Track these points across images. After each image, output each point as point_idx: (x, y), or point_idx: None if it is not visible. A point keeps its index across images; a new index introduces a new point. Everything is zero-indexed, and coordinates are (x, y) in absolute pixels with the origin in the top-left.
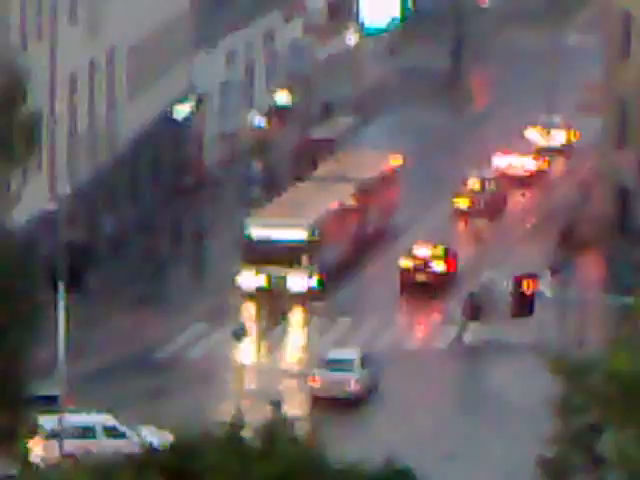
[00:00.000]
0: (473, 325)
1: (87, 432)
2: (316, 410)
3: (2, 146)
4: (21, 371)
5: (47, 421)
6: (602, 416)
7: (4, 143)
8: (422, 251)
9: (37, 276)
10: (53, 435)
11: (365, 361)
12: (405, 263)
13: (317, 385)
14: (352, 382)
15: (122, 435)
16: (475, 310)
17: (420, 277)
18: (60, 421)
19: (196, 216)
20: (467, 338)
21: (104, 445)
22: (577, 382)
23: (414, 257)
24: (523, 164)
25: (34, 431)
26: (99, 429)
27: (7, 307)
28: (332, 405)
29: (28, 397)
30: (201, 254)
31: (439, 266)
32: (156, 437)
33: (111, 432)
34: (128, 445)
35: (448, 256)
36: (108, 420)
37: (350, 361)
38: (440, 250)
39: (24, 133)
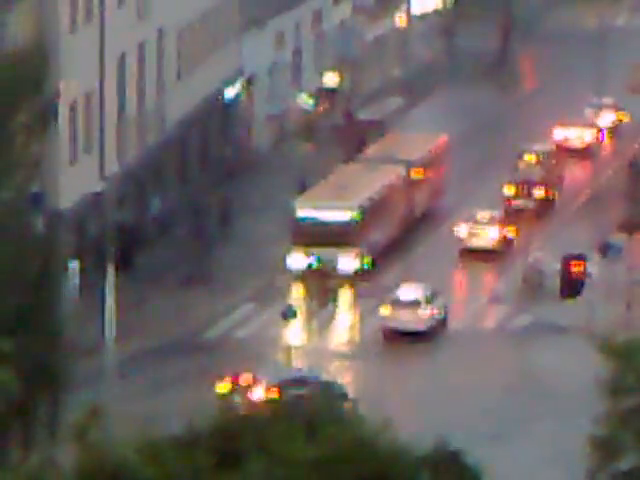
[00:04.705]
0: (521, 306)
1: None
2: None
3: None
4: (59, 352)
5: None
6: None
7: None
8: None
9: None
10: None
11: (502, 220)
12: (509, 189)
13: (464, 235)
14: (494, 234)
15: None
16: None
17: (521, 203)
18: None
19: (244, 197)
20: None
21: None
22: (627, 362)
23: (517, 184)
24: (581, 136)
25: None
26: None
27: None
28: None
29: (67, 377)
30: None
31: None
32: None
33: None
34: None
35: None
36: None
37: (493, 218)
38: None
39: (41, 114)
